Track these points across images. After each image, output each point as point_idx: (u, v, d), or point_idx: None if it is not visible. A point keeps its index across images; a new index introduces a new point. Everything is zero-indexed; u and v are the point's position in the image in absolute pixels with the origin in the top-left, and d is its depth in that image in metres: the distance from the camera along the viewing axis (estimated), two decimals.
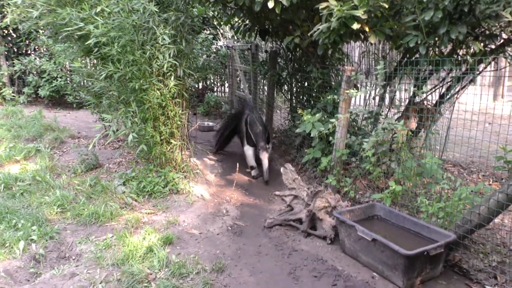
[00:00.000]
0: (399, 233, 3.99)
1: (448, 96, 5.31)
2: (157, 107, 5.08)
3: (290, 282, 3.54)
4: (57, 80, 10.12)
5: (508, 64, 5.57)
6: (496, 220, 3.72)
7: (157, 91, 5.01)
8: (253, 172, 6.56)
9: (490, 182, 5.72)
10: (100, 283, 3.39)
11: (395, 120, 5.03)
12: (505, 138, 4.32)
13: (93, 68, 5.63)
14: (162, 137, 5.27)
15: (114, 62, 4.75)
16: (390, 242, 3.43)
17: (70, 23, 4.68)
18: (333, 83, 6.23)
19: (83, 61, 5.55)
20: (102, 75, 4.76)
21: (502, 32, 4.91)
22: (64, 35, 4.90)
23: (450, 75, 5.31)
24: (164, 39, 4.68)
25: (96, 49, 4.81)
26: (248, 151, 6.61)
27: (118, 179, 5.34)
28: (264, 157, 6.15)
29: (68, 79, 10.26)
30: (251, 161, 6.58)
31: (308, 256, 3.99)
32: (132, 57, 4.76)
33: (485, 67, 5.32)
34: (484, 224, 3.59)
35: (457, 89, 5.33)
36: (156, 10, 4.79)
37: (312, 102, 6.66)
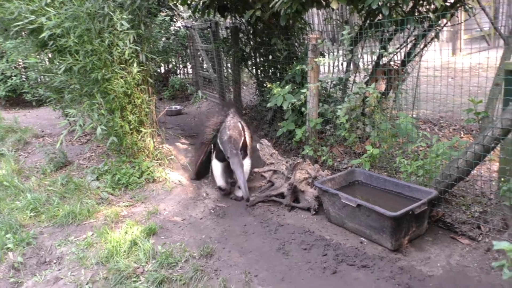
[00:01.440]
0: (382, 195, 4.03)
1: (413, 55, 5.34)
2: (122, 96, 4.88)
3: (281, 258, 3.53)
4: (12, 79, 9.63)
5: (469, 17, 5.64)
6: (473, 171, 3.79)
7: (121, 80, 4.81)
8: (221, 192, 5.05)
9: (462, 135, 5.84)
10: (86, 284, 3.28)
11: (364, 84, 5.02)
12: (469, 91, 4.39)
13: (50, 62, 5.32)
14: (131, 126, 5.09)
15: (72, 54, 4.50)
16: (375, 206, 3.45)
17: (20, 17, 4.38)
18: (299, 53, 6.15)
19: (38, 56, 5.24)
20: (61, 68, 4.50)
21: None
22: (15, 30, 4.59)
23: (414, 33, 5.32)
24: (122, 24, 4.46)
25: (51, 42, 4.54)
26: (215, 166, 5.01)
27: (90, 175, 5.15)
28: (237, 167, 4.45)
29: (23, 76, 9.77)
30: (219, 179, 4.96)
31: (295, 229, 3.99)
32: (91, 47, 4.52)
33: (447, 22, 5.36)
34: (463, 177, 3.66)
35: (421, 47, 5.36)
36: None
37: (279, 74, 6.58)
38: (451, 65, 6.02)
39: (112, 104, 4.85)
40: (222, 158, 4.85)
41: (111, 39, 4.60)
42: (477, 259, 3.29)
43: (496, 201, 3.67)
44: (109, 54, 4.67)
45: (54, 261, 3.66)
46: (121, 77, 4.83)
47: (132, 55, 4.82)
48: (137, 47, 4.78)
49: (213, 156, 5.09)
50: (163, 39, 10.87)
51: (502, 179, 3.41)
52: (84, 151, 6.35)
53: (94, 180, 5.05)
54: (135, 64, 4.87)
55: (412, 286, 3.05)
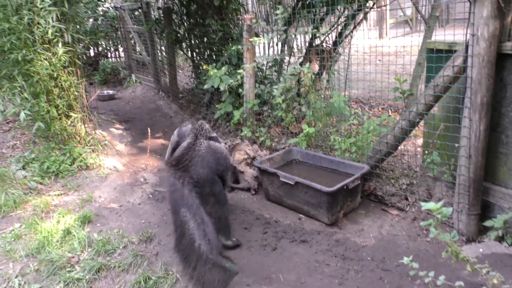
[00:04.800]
0: (318, 173, 4.15)
1: (344, 36, 5.51)
2: (48, 78, 4.57)
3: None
4: None
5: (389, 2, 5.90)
6: (401, 147, 4.01)
7: (45, 61, 4.50)
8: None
9: (390, 113, 6.15)
10: (16, 278, 3.08)
11: (299, 65, 5.11)
12: (395, 72, 4.63)
13: None
14: (59, 111, 4.80)
15: None
16: (312, 183, 3.55)
17: None
18: (234, 34, 6.11)
19: None
20: None
21: None
22: None
23: (344, 14, 5.48)
24: (43, 1, 4.15)
25: None
26: None
27: (15, 164, 4.80)
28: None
29: None
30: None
31: (235, 209, 4.00)
32: (8, 25, 4.18)
33: (374, 4, 5.57)
34: (392, 151, 3.87)
35: (351, 28, 5.54)
36: None
37: (215, 56, 6.52)
38: (378, 48, 6.28)
39: (37, 88, 4.54)
40: None
41: (31, 17, 4.27)
42: (405, 228, 3.52)
43: (421, 173, 3.92)
44: (30, 33, 4.34)
45: None
46: (45, 59, 4.52)
47: (56, 34, 4.51)
48: (61, 26, 4.49)
49: None
50: (91, 20, 10.31)
51: (426, 152, 3.64)
52: (7, 139, 5.90)
53: (20, 169, 4.72)
54: (60, 45, 4.57)
55: (347, 256, 3.19)
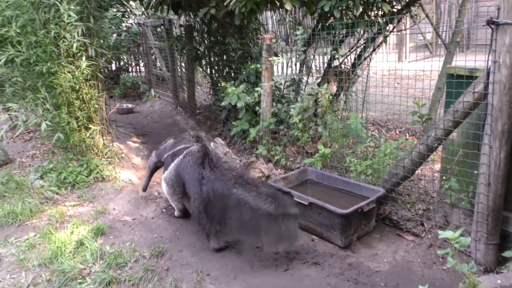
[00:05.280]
0: (333, 194, 4.11)
1: (363, 58, 5.52)
2: (70, 91, 4.68)
3: (233, 256, 3.50)
4: None
5: (414, 23, 5.90)
6: (418, 171, 3.96)
7: (68, 74, 4.61)
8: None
9: (407, 137, 6.09)
10: (27, 287, 3.11)
11: (317, 85, 5.13)
12: (413, 95, 4.60)
13: None
14: (79, 123, 4.89)
15: (14, 45, 4.26)
16: (326, 204, 3.51)
17: None
18: (253, 53, 6.18)
19: None
20: (1, 60, 4.24)
21: None
22: None
23: (364, 37, 5.50)
24: (70, 16, 4.28)
25: None
26: None
27: (34, 173, 4.89)
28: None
29: None
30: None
31: None
32: (35, 38, 4.30)
33: (394, 28, 5.58)
34: (409, 175, 3.81)
35: (370, 51, 5.55)
36: None
37: (233, 74, 6.58)
38: (397, 71, 6.28)
39: (59, 99, 4.64)
40: None
41: (57, 31, 4.40)
42: (421, 254, 3.44)
43: (438, 199, 3.85)
44: (55, 47, 4.47)
45: None
46: (69, 71, 4.63)
47: (81, 48, 4.64)
48: (86, 41, 4.60)
49: None
50: (114, 35, 10.56)
51: (444, 177, 3.58)
52: (27, 149, 6.02)
53: (37, 178, 4.80)
54: (83, 58, 4.68)
55: (360, 281, 3.13)
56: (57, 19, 4.43)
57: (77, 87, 4.76)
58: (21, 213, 4.13)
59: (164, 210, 4.44)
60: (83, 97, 4.89)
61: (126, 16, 11.25)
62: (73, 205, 4.41)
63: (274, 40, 4.91)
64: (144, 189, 4.53)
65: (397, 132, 6.46)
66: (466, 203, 3.40)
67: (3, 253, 3.56)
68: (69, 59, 4.66)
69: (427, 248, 3.49)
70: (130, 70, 11.95)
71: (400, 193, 4.01)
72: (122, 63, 11.69)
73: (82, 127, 4.97)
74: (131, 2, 10.48)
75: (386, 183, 3.89)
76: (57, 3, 4.31)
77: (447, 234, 1.97)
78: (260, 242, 3.42)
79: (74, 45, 4.47)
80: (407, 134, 6.27)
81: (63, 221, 4.07)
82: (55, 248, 3.49)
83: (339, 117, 5.41)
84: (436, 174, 4.33)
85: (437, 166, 4.45)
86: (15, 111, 4.61)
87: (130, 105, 9.45)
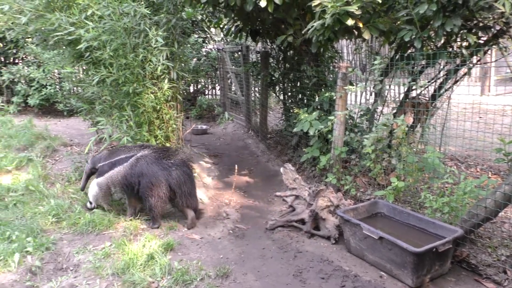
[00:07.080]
0: (404, 230, 3.93)
1: (443, 90, 5.29)
2: (151, 110, 4.98)
3: (297, 285, 3.45)
4: (46, 88, 9.94)
5: (502, 56, 5.57)
6: (501, 213, 3.67)
7: (151, 95, 4.91)
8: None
9: (489, 175, 5.69)
10: None
11: (392, 116, 4.98)
12: (498, 131, 4.30)
13: (84, 73, 5.50)
14: (157, 141, 5.17)
15: (107, 67, 4.65)
16: (397, 240, 3.36)
17: (60, 28, 4.57)
18: (327, 81, 6.18)
19: (73, 67, 5.42)
20: (94, 80, 4.64)
21: (495, 24, 4.90)
22: (54, 40, 4.78)
23: (446, 68, 5.28)
24: (157, 41, 4.59)
25: (87, 54, 4.71)
26: None
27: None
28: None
29: (57, 86, 10.08)
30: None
31: (313, 257, 3.91)
32: (125, 61, 4.66)
33: (479, 59, 5.30)
34: (491, 217, 3.54)
35: (452, 82, 5.31)
36: (148, 12, 4.69)
37: (306, 101, 6.60)
38: (481, 105, 5.94)
39: (141, 118, 4.95)
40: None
41: (145, 55, 4.73)
42: None
43: None
44: (142, 69, 4.80)
45: (71, 268, 3.68)
46: (152, 92, 4.93)
47: (164, 71, 4.94)
48: (169, 64, 4.90)
49: None
50: (195, 59, 11.10)
51: None
52: None
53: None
54: (166, 81, 4.98)
55: None
56: (145, 43, 4.77)
57: (158, 107, 5.05)
58: (100, 223, 4.39)
59: (231, 232, 4.50)
60: (163, 117, 5.18)
61: (207, 42, 11.83)
62: (147, 219, 4.61)
63: (350, 69, 4.88)
64: (82, 189, 4.98)
65: (478, 170, 6.05)
66: None
67: (82, 259, 3.80)
68: (153, 81, 4.97)
69: None
70: (206, 93, 12.45)
71: (480, 235, 3.73)
72: (199, 86, 12.22)
73: (160, 145, 5.23)
74: (212, 29, 11.05)
75: (465, 224, 3.64)
76: (147, 29, 4.65)
77: None
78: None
79: (159, 68, 4.77)
80: (489, 173, 5.86)
81: (137, 234, 4.27)
82: (128, 259, 3.66)
83: (415, 150, 5.20)
84: None
85: None
86: (102, 125, 4.98)
87: (204, 127, 9.81)
